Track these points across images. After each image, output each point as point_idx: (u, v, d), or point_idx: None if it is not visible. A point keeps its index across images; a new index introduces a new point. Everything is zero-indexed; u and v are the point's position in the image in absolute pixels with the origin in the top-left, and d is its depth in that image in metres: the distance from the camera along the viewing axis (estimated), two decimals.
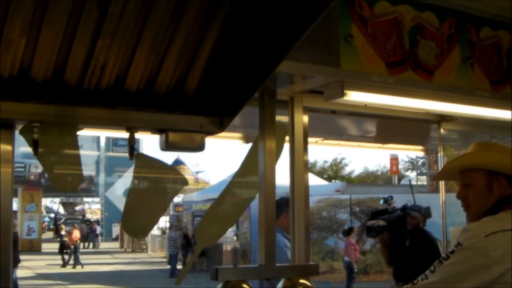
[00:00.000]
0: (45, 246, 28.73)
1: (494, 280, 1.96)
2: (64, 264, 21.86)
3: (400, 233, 5.66)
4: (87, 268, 21.51)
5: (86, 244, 30.57)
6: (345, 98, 2.70)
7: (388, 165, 27.80)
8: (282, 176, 2.90)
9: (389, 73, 2.87)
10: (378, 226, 5.64)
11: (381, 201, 6.04)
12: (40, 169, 24.17)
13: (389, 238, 5.68)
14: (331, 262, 15.26)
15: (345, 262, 13.71)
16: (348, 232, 13.69)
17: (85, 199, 38.05)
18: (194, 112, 2.46)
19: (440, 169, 2.76)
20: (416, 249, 5.47)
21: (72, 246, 21.95)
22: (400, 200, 6.15)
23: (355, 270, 13.69)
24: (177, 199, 22.64)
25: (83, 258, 22.56)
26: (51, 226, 39.13)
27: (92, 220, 33.87)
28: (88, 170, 30.84)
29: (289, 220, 3.01)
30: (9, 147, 2.20)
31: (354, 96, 2.75)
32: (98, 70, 2.18)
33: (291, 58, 2.34)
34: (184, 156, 25.68)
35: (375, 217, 5.91)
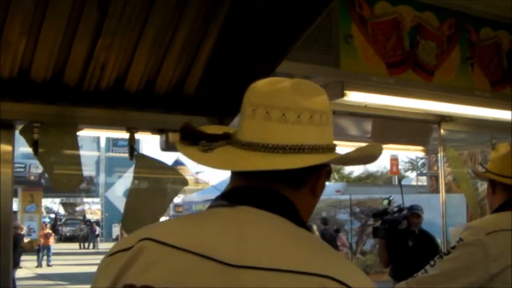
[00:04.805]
0: None
1: (492, 277, 1.97)
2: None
3: (403, 233, 5.65)
4: (87, 269, 21.45)
5: (86, 244, 30.57)
6: (345, 98, 2.70)
7: (388, 166, 27.73)
8: None
9: (389, 73, 2.87)
10: (385, 227, 5.64)
11: (385, 202, 6.04)
12: (40, 169, 24.04)
13: (391, 238, 5.67)
14: None
15: None
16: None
17: (85, 200, 37.97)
18: (194, 112, 2.46)
19: (440, 169, 2.76)
20: (420, 249, 5.45)
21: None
22: (399, 201, 6.16)
23: None
24: (177, 199, 22.60)
25: (84, 259, 22.52)
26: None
27: (92, 220, 33.81)
28: (88, 170, 30.75)
29: None
30: (9, 148, 2.19)
31: (354, 96, 2.75)
32: (98, 70, 2.18)
33: (291, 58, 2.34)
34: (184, 156, 25.60)
35: (378, 218, 5.90)
